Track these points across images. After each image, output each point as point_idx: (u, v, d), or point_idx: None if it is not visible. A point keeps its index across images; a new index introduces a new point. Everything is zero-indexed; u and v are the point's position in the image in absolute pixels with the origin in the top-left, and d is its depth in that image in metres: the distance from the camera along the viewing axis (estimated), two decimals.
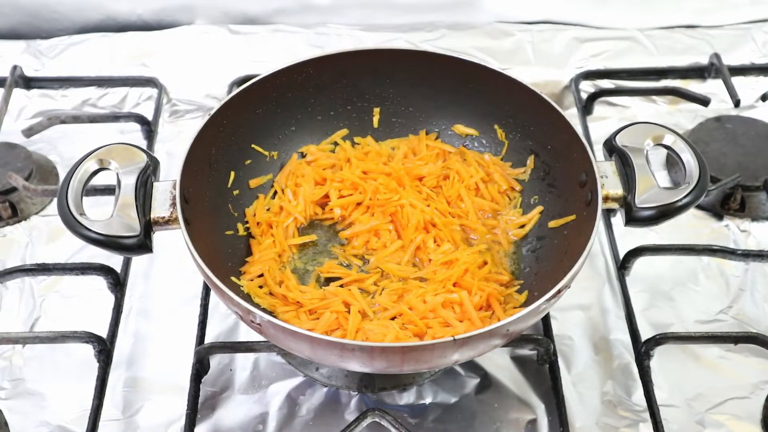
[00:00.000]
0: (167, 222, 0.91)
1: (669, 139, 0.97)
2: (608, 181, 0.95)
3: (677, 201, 0.92)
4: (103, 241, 0.87)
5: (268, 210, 1.09)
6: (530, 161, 1.11)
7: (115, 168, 0.92)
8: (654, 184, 0.93)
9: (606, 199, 0.94)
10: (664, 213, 0.92)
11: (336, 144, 1.16)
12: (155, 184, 0.93)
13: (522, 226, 1.07)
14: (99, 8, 1.48)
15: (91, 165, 0.92)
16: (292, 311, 0.97)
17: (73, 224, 0.87)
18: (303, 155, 1.14)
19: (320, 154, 1.13)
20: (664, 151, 1.05)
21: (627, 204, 0.93)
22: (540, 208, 1.08)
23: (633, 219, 0.93)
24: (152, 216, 0.90)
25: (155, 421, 1.00)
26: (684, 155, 0.95)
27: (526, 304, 0.97)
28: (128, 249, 0.89)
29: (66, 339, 1.01)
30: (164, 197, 0.92)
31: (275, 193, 1.11)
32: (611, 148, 0.97)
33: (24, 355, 1.06)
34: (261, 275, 1.01)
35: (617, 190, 0.94)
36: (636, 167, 0.94)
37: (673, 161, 1.27)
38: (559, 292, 0.84)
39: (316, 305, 0.96)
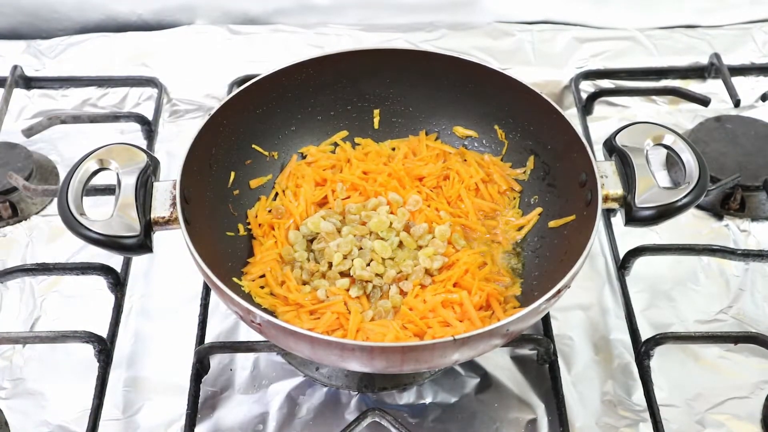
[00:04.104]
0: (167, 222, 0.91)
1: (669, 139, 0.97)
2: (608, 181, 0.95)
3: (677, 201, 0.92)
4: (103, 241, 0.87)
5: (269, 212, 1.09)
6: (530, 161, 1.11)
7: (115, 168, 0.92)
8: (654, 184, 0.93)
9: (606, 198, 0.94)
10: (664, 213, 0.92)
11: (336, 145, 1.16)
12: (155, 184, 0.93)
13: (522, 227, 1.07)
14: (99, 8, 1.48)
15: (91, 165, 0.92)
16: (292, 311, 0.97)
17: (73, 224, 0.87)
18: (303, 156, 1.15)
19: (320, 155, 1.13)
20: (664, 151, 1.05)
21: (627, 204, 0.93)
22: (539, 209, 1.07)
23: (633, 219, 0.93)
24: (152, 216, 0.90)
25: (155, 421, 1.00)
26: (684, 155, 0.95)
27: (525, 304, 0.97)
28: (128, 249, 0.89)
29: (66, 339, 1.01)
30: (164, 197, 0.92)
31: (276, 194, 1.11)
32: (611, 148, 0.97)
33: (24, 354, 1.06)
34: (263, 275, 1.01)
35: (617, 190, 0.94)
36: (636, 167, 0.94)
37: (673, 161, 1.27)
38: (559, 292, 0.84)
39: (317, 306, 0.96)
